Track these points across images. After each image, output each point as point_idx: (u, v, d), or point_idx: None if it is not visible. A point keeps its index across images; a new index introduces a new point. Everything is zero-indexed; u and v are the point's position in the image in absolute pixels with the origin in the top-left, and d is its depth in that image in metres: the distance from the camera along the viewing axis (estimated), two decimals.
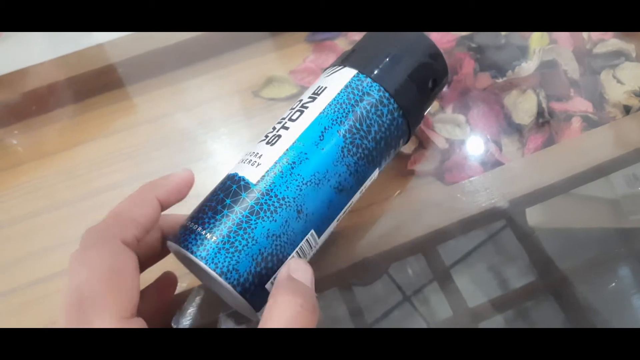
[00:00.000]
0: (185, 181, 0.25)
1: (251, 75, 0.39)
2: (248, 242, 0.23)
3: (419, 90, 0.29)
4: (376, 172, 0.28)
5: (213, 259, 0.23)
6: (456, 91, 0.37)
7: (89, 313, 0.20)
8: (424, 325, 0.31)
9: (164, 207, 0.24)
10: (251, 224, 0.24)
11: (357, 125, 0.26)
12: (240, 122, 0.37)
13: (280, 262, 0.24)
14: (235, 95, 0.38)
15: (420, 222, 0.32)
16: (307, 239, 0.25)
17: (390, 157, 0.29)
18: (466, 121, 0.36)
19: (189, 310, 0.30)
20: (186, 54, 0.40)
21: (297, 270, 0.23)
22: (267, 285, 0.24)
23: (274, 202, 0.24)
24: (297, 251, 0.24)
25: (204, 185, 0.34)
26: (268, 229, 0.24)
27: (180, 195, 0.25)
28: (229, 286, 0.23)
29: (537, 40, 0.39)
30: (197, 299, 0.30)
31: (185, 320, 0.30)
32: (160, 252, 0.27)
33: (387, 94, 0.27)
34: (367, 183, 0.28)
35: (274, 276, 0.24)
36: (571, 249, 0.33)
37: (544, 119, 0.36)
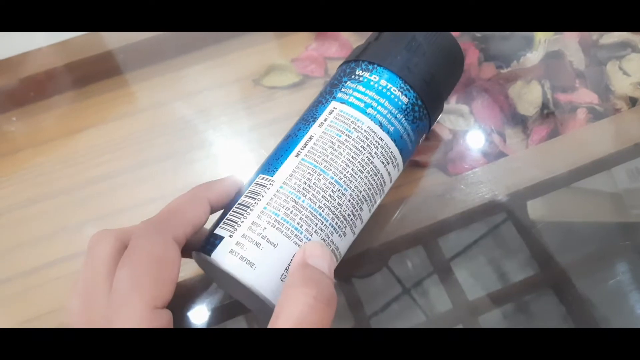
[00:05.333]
0: (234, 186, 0.25)
1: (252, 63, 0.38)
2: None
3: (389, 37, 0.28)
4: (339, 105, 0.26)
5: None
6: (460, 81, 0.37)
7: (124, 295, 0.20)
8: (423, 318, 0.31)
9: (212, 210, 0.24)
10: None
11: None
12: (240, 111, 0.36)
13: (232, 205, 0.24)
14: (236, 83, 0.38)
15: (422, 214, 0.32)
16: (256, 182, 0.24)
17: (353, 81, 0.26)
18: (470, 112, 0.36)
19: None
20: (186, 41, 0.39)
21: (312, 255, 0.22)
22: (218, 230, 0.23)
23: None
24: (246, 195, 0.24)
25: (204, 174, 0.34)
26: None
27: (228, 200, 0.25)
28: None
29: None
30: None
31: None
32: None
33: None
34: (330, 116, 0.25)
35: (224, 218, 0.24)
36: (572, 243, 0.33)
37: (548, 110, 0.35)
